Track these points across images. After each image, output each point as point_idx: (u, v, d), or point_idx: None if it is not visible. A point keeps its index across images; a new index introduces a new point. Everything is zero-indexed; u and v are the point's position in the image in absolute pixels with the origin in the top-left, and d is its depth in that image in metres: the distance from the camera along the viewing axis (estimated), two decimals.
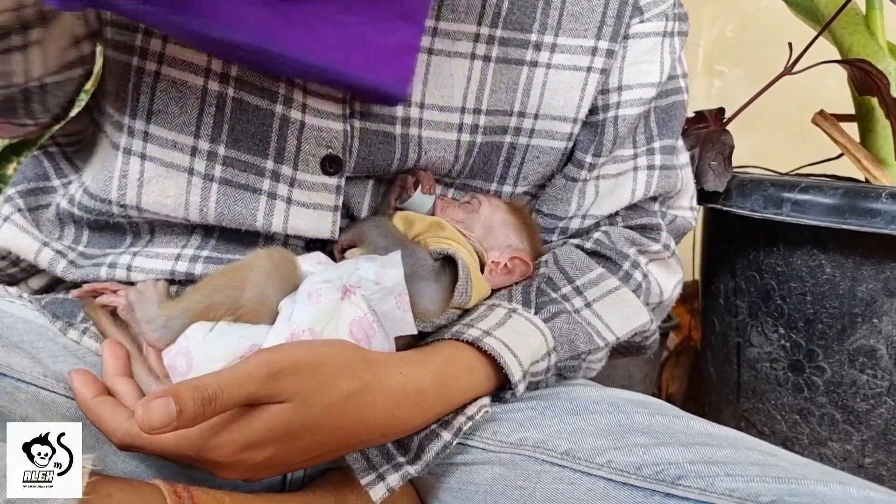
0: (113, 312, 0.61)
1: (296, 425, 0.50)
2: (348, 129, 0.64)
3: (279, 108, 0.62)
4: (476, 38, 0.66)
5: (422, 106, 0.65)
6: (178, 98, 0.62)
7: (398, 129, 0.65)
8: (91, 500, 0.46)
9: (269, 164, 0.64)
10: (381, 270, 0.57)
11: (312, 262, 0.61)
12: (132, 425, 0.50)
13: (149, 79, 0.61)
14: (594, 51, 0.69)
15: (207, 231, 0.67)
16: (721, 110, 1.04)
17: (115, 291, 0.61)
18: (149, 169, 0.63)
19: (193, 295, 0.57)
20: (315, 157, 0.64)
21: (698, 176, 0.93)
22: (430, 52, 0.65)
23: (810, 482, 0.49)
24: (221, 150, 0.63)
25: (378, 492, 0.55)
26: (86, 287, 0.62)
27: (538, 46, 0.68)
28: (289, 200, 0.65)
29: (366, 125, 0.65)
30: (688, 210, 0.81)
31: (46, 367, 0.57)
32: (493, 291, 0.68)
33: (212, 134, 0.63)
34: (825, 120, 1.01)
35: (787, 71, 1.02)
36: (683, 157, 0.80)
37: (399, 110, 0.65)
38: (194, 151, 0.63)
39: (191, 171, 0.63)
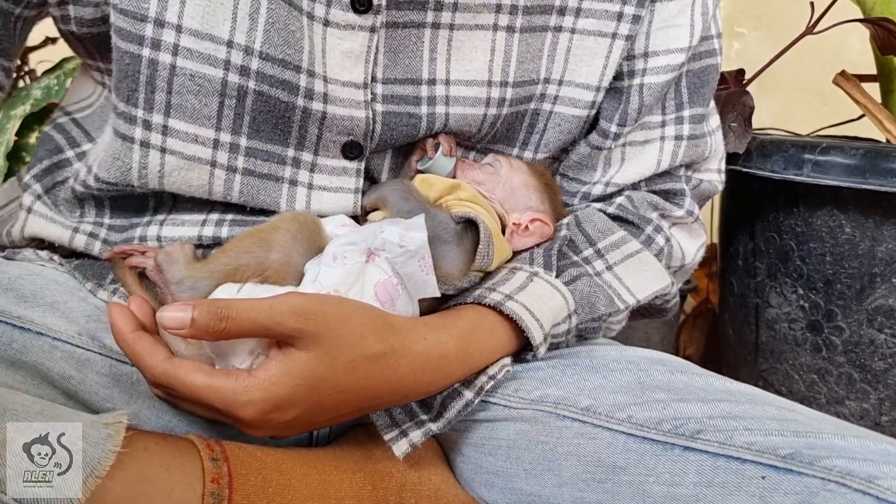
0: (141, 274, 0.63)
1: (319, 378, 0.51)
2: (370, 115, 0.63)
3: (300, 101, 0.61)
4: (498, 8, 0.64)
5: (447, 83, 0.65)
6: (197, 91, 0.59)
7: (424, 110, 0.65)
8: (128, 454, 0.48)
9: (290, 152, 0.64)
10: (405, 233, 0.58)
11: (336, 225, 0.62)
12: (169, 365, 0.51)
13: (164, 72, 0.58)
14: (620, 16, 0.68)
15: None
16: (741, 71, 1.03)
17: (143, 252, 0.63)
18: (170, 161, 0.61)
19: (221, 257, 0.58)
20: (336, 144, 0.65)
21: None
22: (452, 27, 0.64)
23: (827, 436, 0.50)
24: (243, 142, 0.62)
25: (401, 447, 0.57)
26: (115, 248, 0.64)
27: (562, 11, 0.67)
28: (310, 186, 0.65)
29: (389, 108, 0.64)
30: (715, 173, 0.80)
31: (80, 326, 0.58)
32: (515, 254, 0.68)
33: (233, 126, 0.61)
34: (847, 80, 1.00)
35: (809, 30, 1.01)
36: (713, 121, 0.78)
37: (424, 89, 0.64)
38: (216, 144, 0.62)
39: (213, 164, 0.62)
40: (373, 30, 0.61)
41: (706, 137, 0.76)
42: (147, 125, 0.60)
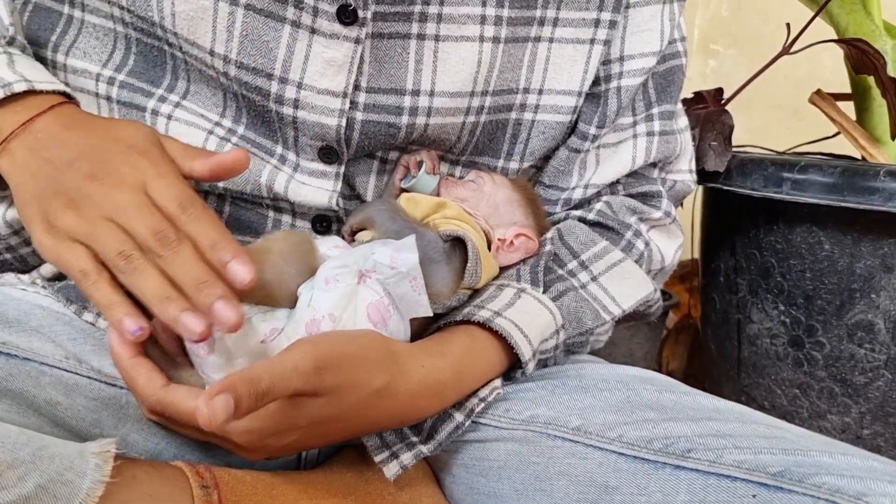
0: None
1: (324, 418, 0.52)
2: (343, 123, 0.64)
3: (272, 105, 0.63)
4: (482, 20, 0.65)
5: (431, 94, 0.65)
6: (208, 83, 0.66)
7: (404, 120, 0.66)
8: (117, 483, 0.47)
9: (279, 149, 0.66)
10: (395, 254, 0.58)
11: (329, 246, 0.62)
12: (165, 394, 0.52)
13: (183, 65, 0.65)
14: (597, 23, 0.69)
15: (221, 197, 0.68)
16: (720, 90, 1.05)
17: None
18: (172, 127, 0.65)
19: None
20: (312, 148, 0.66)
21: (699, 156, 0.94)
22: (437, 38, 0.64)
23: (815, 453, 0.50)
24: (241, 130, 0.66)
25: (391, 469, 0.57)
26: None
27: (542, 22, 0.68)
28: (290, 179, 0.66)
29: (369, 117, 0.65)
30: (687, 173, 0.81)
31: (67, 349, 0.58)
32: (501, 269, 0.69)
33: (234, 115, 0.66)
34: (822, 99, 1.02)
35: (786, 51, 1.02)
36: (682, 120, 0.80)
37: (407, 100, 0.65)
38: (217, 124, 0.66)
39: (210, 132, 0.66)
40: (357, 41, 0.61)
41: (676, 135, 0.77)
42: (162, 99, 0.66)
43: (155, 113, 0.65)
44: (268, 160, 0.66)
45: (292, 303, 0.57)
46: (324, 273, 0.57)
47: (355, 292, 0.57)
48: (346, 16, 0.60)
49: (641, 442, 0.55)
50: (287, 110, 0.63)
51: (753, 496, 0.49)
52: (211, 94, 0.66)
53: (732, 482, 0.50)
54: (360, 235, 0.66)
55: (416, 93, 0.65)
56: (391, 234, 0.62)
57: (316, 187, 0.66)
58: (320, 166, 0.66)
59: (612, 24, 0.69)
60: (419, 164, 0.69)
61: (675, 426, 0.55)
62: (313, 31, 0.61)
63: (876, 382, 0.88)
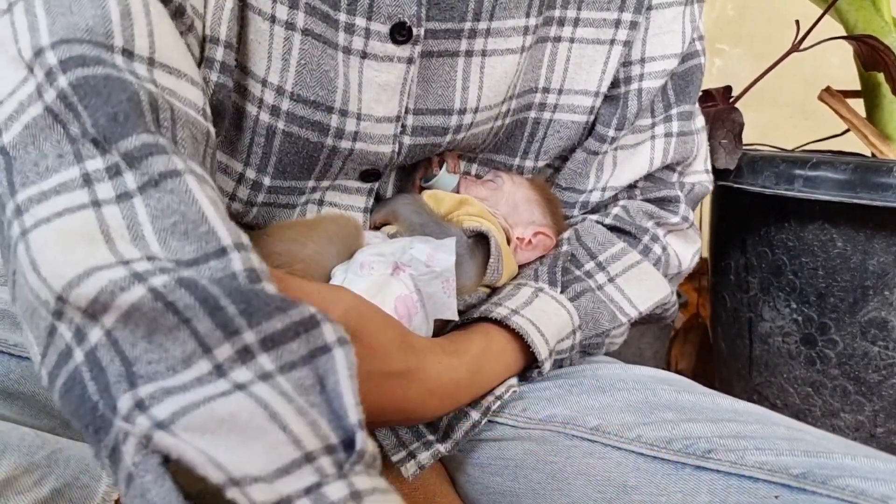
0: None
1: None
2: (396, 148, 0.63)
3: (330, 141, 0.60)
4: (525, 30, 0.64)
5: (476, 111, 0.64)
6: (236, 125, 0.59)
7: (447, 139, 0.65)
8: None
9: (310, 183, 0.64)
10: (433, 253, 0.58)
11: (372, 237, 0.63)
12: None
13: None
14: (617, 23, 0.68)
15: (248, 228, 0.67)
16: (728, 88, 1.04)
17: None
18: None
19: (257, 239, 0.58)
20: (355, 171, 0.64)
21: (709, 154, 0.93)
22: (484, 54, 0.63)
23: (838, 455, 0.50)
24: (267, 181, 0.62)
25: (409, 469, 0.57)
26: None
27: (562, 22, 0.67)
28: (320, 202, 0.66)
29: (416, 141, 0.64)
30: (703, 173, 0.81)
31: None
32: (520, 269, 0.69)
33: (259, 164, 0.61)
34: (832, 96, 1.02)
35: (795, 48, 1.02)
36: (699, 120, 0.79)
37: (454, 119, 0.64)
38: (241, 179, 0.62)
39: (232, 198, 0.62)
40: (410, 61, 0.59)
41: (694, 135, 0.77)
42: None
43: None
44: (296, 202, 0.64)
45: (326, 282, 0.58)
46: (360, 257, 0.58)
47: (387, 283, 0.57)
48: (401, 34, 0.58)
49: (661, 442, 0.55)
50: (345, 144, 0.61)
51: (776, 497, 0.48)
52: (235, 137, 0.60)
53: (755, 483, 0.50)
54: (385, 230, 0.67)
55: (462, 111, 0.64)
56: (415, 227, 0.63)
57: (347, 209, 0.66)
58: (356, 183, 0.66)
59: (633, 26, 0.69)
60: (440, 163, 0.69)
61: (694, 427, 0.55)
62: (364, 55, 0.58)
63: (890, 380, 0.88)
